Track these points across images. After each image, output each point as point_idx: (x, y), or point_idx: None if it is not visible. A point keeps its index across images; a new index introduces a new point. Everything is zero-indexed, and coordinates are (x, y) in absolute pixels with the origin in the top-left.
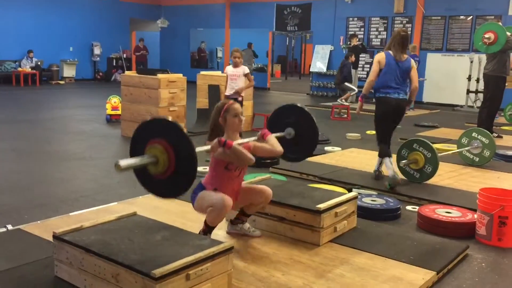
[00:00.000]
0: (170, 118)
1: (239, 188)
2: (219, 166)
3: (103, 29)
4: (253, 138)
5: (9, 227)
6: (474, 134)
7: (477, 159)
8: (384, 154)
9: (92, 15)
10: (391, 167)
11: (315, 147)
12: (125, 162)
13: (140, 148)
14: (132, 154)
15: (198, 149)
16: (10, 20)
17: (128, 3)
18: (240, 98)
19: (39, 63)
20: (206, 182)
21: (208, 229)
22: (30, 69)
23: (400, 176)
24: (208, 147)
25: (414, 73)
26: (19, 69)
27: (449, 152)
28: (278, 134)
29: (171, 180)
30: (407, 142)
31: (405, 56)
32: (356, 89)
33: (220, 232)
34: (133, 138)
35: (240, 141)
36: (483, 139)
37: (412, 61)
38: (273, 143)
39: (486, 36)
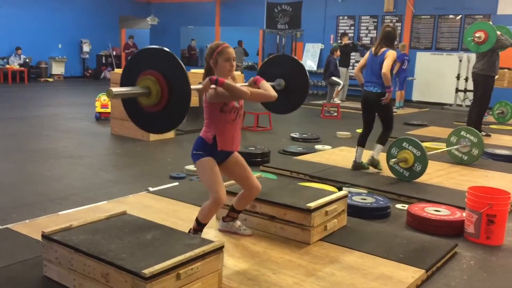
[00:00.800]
0: (165, 48)
1: (238, 135)
2: (214, 110)
3: (93, 26)
4: (245, 84)
5: None
6: (462, 133)
7: (466, 157)
8: (358, 142)
9: (82, 12)
10: (357, 156)
11: (305, 97)
12: (117, 89)
13: (132, 80)
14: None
15: (196, 87)
16: None
17: (117, 0)
18: None
19: (27, 60)
20: (204, 132)
21: (199, 227)
22: (18, 66)
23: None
24: (199, 86)
25: (384, 62)
26: (7, 66)
27: (438, 151)
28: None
29: (162, 113)
30: (397, 141)
31: (382, 50)
32: (342, 83)
33: (211, 231)
34: (124, 70)
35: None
36: (472, 138)
37: (389, 52)
38: (266, 87)
39: (477, 35)
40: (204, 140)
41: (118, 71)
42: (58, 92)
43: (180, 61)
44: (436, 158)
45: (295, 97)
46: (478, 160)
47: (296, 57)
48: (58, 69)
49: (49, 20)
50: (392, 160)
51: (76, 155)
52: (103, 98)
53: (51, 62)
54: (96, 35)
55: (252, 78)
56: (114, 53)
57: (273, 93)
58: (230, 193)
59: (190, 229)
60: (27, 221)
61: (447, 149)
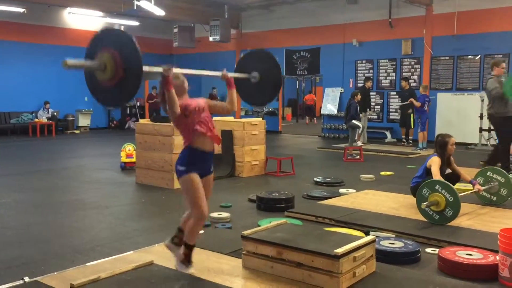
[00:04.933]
0: (121, 27)
1: (212, 131)
2: (181, 117)
3: None
4: (204, 100)
5: (26, 279)
6: (489, 173)
7: (495, 198)
8: None
9: None
10: None
11: (279, 88)
12: (72, 61)
13: (93, 55)
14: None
15: (151, 68)
16: (26, 73)
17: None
18: None
19: (55, 113)
20: (183, 145)
21: (188, 251)
22: (46, 120)
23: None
24: (159, 68)
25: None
26: (36, 120)
27: (466, 193)
28: (242, 75)
29: (117, 87)
30: (429, 182)
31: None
32: (361, 125)
33: (237, 280)
34: (88, 46)
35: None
36: (499, 178)
37: (433, 158)
38: (231, 96)
39: None
40: (185, 151)
41: (143, 121)
42: (84, 144)
43: (135, 41)
44: (464, 199)
45: (270, 89)
46: (508, 201)
47: (270, 52)
48: (84, 121)
49: (76, 75)
50: (424, 203)
51: (103, 205)
52: (128, 148)
53: (77, 114)
54: None
55: (227, 74)
56: (138, 104)
57: (231, 108)
58: (253, 239)
59: (180, 260)
60: (55, 273)
61: (474, 190)
